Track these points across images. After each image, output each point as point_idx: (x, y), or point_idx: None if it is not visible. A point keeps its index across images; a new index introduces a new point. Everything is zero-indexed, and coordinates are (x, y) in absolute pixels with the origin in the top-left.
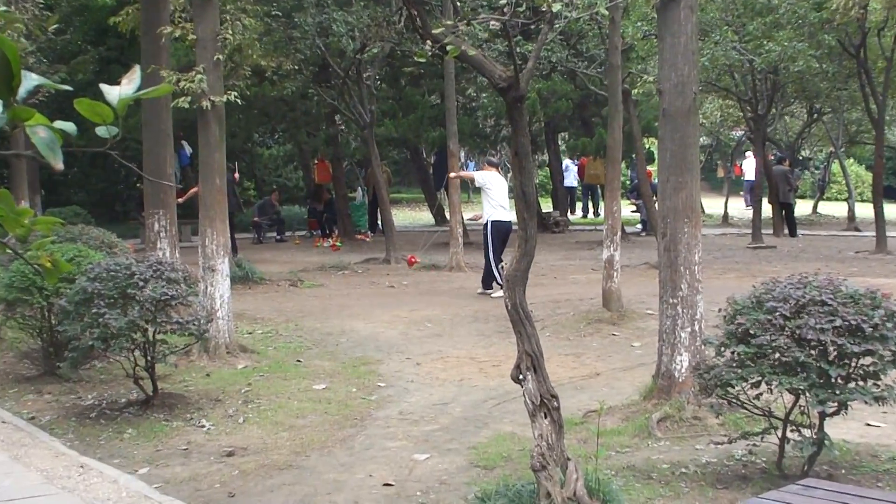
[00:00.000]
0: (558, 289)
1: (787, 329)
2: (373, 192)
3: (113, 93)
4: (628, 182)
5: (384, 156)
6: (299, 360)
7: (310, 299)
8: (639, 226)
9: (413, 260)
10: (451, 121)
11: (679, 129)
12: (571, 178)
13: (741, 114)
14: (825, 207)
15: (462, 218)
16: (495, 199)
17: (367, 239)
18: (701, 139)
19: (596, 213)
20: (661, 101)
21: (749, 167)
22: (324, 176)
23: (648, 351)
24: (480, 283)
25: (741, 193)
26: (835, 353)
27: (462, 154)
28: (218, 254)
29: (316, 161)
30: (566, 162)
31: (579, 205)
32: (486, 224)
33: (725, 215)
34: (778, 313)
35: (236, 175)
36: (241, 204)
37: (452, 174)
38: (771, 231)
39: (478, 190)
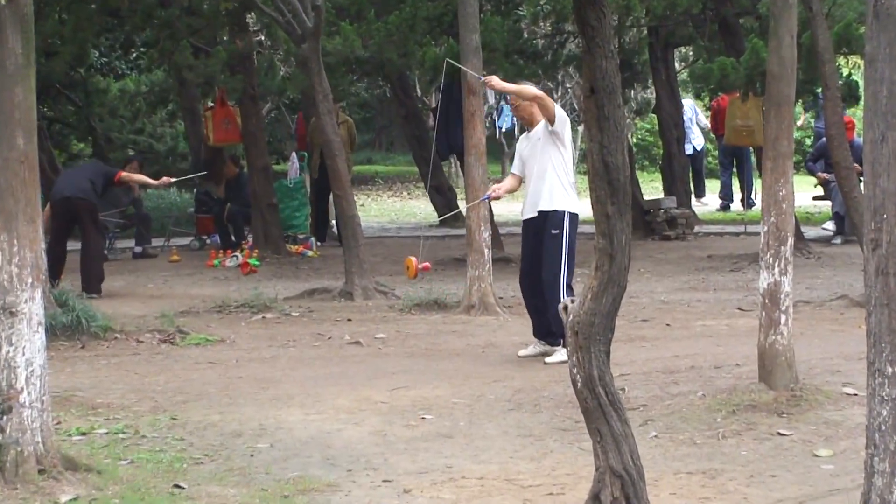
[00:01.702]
0: (674, 346)
1: None
2: (320, 162)
3: None
4: (808, 141)
5: (341, 94)
6: (179, 486)
7: (199, 369)
8: (828, 224)
9: (424, 268)
10: (467, 27)
11: None
12: (698, 136)
13: None
14: None
15: (490, 214)
16: (570, 165)
17: (311, 252)
18: None
19: (747, 202)
20: None
21: None
22: (225, 133)
23: (847, 466)
24: (535, 337)
25: None
26: None
27: (490, 93)
28: (22, 282)
29: (212, 104)
30: (689, 104)
31: (712, 185)
32: (562, 216)
33: None
34: None
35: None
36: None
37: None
38: None
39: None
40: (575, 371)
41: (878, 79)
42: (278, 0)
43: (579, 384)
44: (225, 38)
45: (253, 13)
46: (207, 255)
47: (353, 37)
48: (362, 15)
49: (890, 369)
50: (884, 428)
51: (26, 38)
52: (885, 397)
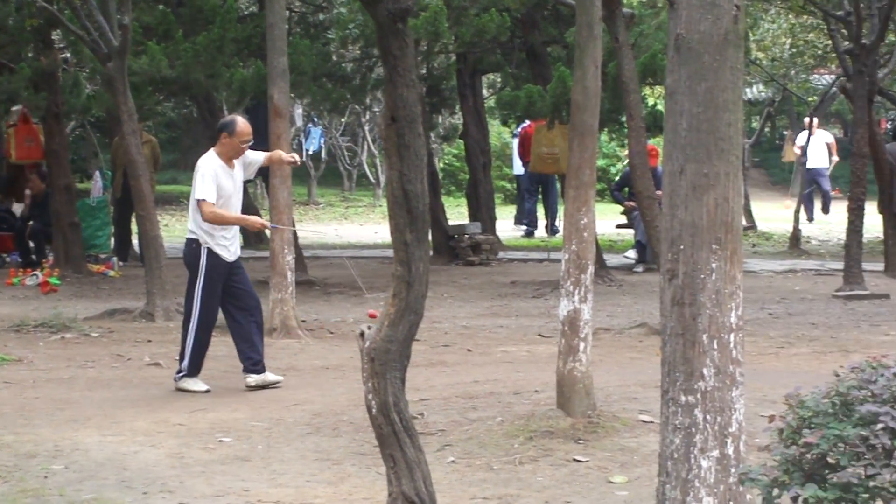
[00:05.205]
0: (474, 372)
1: None
2: (123, 181)
3: None
4: (613, 170)
5: (147, 114)
6: None
7: None
8: (630, 252)
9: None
10: (275, 49)
11: (705, 73)
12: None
13: (829, 42)
14: None
15: (294, 237)
16: None
17: (112, 272)
18: (748, 90)
19: (551, 229)
20: (674, 22)
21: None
22: (27, 150)
23: (641, 493)
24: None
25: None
26: None
27: (298, 112)
28: None
29: (13, 123)
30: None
31: (513, 212)
32: None
33: (795, 235)
34: (881, 426)
35: None
36: None
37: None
38: (882, 266)
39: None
40: (370, 397)
41: (677, 111)
42: (84, 18)
43: (374, 410)
44: (29, 55)
45: (59, 30)
46: (6, 274)
47: (159, 56)
48: (170, 35)
49: (683, 398)
50: (676, 456)
51: None
52: (678, 426)
